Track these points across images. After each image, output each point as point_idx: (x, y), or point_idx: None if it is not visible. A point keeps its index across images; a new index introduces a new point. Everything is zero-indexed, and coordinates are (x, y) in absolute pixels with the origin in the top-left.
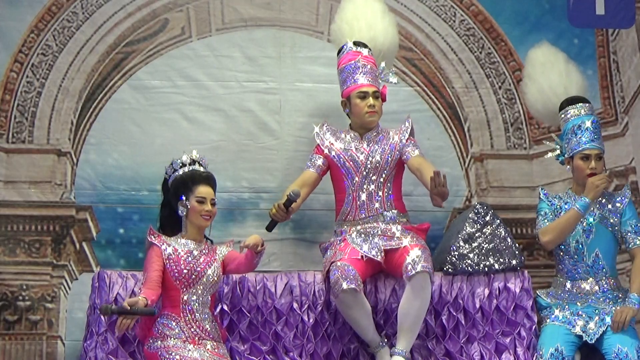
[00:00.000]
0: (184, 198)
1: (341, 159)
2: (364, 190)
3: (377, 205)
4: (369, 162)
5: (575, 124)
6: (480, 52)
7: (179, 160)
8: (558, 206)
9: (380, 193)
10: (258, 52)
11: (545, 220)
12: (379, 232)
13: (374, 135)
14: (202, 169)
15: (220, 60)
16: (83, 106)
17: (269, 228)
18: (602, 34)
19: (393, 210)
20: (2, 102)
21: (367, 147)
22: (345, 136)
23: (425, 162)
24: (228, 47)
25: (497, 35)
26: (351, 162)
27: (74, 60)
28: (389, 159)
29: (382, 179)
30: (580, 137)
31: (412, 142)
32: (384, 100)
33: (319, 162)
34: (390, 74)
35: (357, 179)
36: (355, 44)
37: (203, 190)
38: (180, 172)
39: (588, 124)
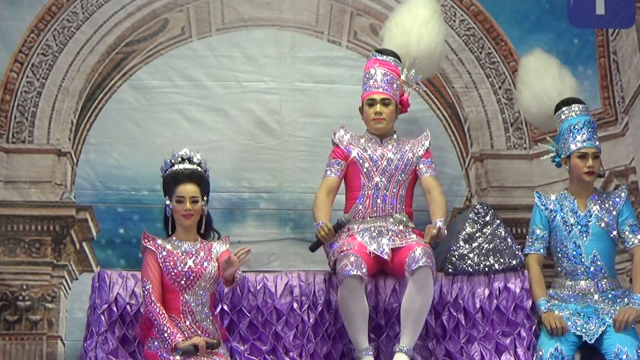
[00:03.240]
0: (167, 199)
1: (361, 158)
2: (380, 191)
3: (389, 207)
4: (388, 164)
5: (572, 124)
6: (480, 52)
7: (168, 160)
8: (553, 210)
9: (394, 197)
10: (258, 52)
11: (535, 243)
12: (387, 231)
13: (393, 140)
14: (191, 166)
15: (220, 60)
16: (83, 106)
17: (313, 249)
18: (602, 34)
19: (403, 215)
20: (2, 102)
21: (387, 150)
22: (364, 139)
23: (437, 189)
24: (228, 47)
25: (497, 35)
26: (370, 162)
27: (74, 60)
28: (407, 166)
29: (398, 183)
30: (576, 136)
31: (430, 159)
32: (405, 106)
33: (338, 166)
34: (413, 78)
35: (375, 179)
36: (378, 51)
37: (182, 189)
38: (168, 171)
39: (583, 123)
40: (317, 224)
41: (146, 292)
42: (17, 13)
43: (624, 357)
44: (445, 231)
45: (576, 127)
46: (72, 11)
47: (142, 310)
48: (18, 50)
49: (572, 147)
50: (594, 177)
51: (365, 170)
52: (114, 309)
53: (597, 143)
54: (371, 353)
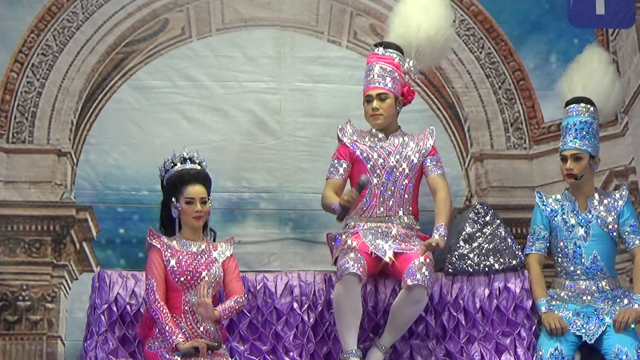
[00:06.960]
0: (174, 200)
1: (367, 156)
2: (386, 190)
3: (396, 205)
4: (394, 162)
5: (564, 125)
6: (480, 52)
7: (170, 160)
8: (554, 210)
9: (401, 196)
10: (258, 52)
11: (535, 243)
12: (392, 233)
13: (399, 136)
14: (194, 166)
15: (220, 60)
16: (83, 106)
17: (341, 218)
18: (602, 34)
19: (410, 216)
20: (2, 102)
21: (393, 147)
22: (370, 136)
23: (444, 189)
24: (228, 47)
25: (497, 35)
26: (376, 159)
27: (74, 60)
28: (413, 164)
29: (405, 180)
30: (563, 138)
31: (436, 156)
32: (408, 96)
33: (342, 167)
34: (413, 66)
35: (382, 176)
36: (376, 45)
37: (192, 190)
38: (172, 171)
39: (574, 124)
40: (335, 205)
41: (150, 290)
42: (17, 13)
43: (624, 357)
44: (445, 238)
45: (567, 127)
46: (72, 11)
47: (142, 310)
48: (18, 50)
49: (559, 148)
50: (572, 179)
51: (371, 168)
52: (114, 309)
53: (585, 144)
54: (359, 355)
